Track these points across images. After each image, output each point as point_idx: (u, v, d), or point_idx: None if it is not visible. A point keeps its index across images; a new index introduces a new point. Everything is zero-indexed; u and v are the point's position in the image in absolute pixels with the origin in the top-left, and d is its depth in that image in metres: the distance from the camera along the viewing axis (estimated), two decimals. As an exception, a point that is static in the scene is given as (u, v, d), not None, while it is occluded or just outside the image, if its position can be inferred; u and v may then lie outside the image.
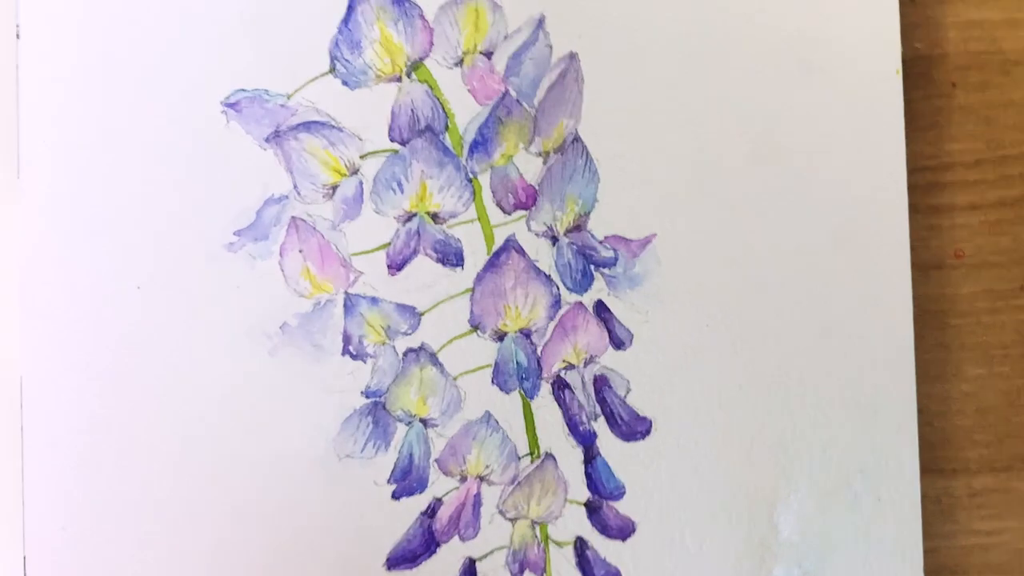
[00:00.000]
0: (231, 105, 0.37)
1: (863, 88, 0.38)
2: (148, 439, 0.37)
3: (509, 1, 0.38)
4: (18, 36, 0.37)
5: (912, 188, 0.39)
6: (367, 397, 0.37)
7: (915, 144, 0.39)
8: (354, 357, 0.37)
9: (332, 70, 0.37)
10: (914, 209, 0.39)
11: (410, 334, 0.37)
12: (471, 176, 0.38)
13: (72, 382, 0.37)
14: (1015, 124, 0.40)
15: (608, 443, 0.38)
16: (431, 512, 0.37)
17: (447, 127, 0.38)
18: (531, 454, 0.37)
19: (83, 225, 0.37)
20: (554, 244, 0.38)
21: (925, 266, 0.40)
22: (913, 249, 0.38)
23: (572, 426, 0.38)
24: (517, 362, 0.37)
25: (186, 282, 0.37)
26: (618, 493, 0.37)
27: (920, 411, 0.38)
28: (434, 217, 0.37)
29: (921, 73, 0.40)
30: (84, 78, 0.37)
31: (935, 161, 0.40)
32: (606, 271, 0.38)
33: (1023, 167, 0.40)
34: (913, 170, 0.39)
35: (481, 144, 0.37)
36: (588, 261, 0.38)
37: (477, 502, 0.37)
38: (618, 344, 0.38)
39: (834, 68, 0.38)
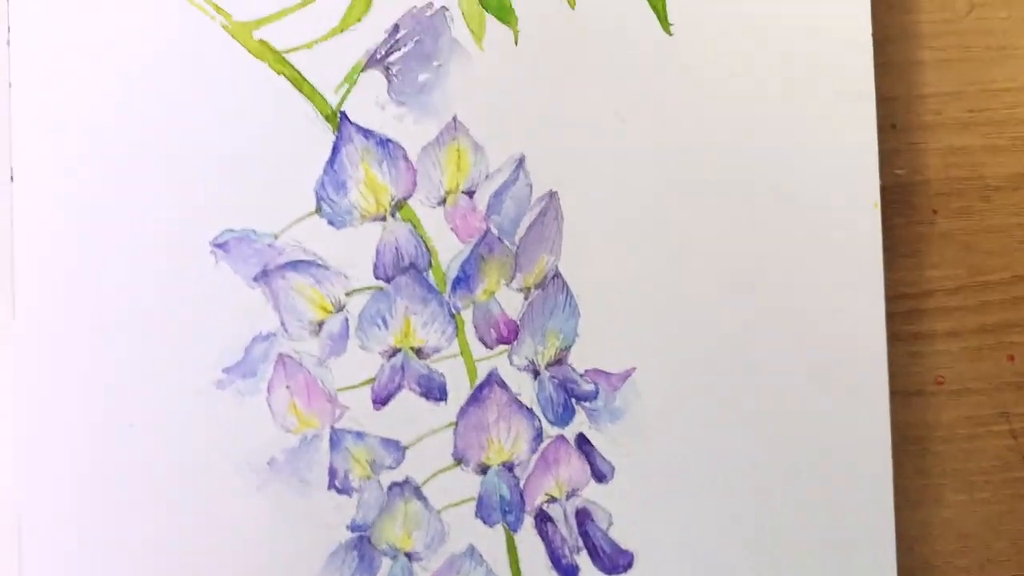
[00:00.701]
0: (220, 245, 0.38)
1: (841, 220, 0.39)
2: (138, 570, 0.38)
3: (490, 141, 0.38)
4: (12, 179, 0.38)
5: (893, 315, 0.39)
6: (352, 531, 0.38)
7: (896, 271, 0.40)
8: (340, 491, 0.38)
9: (318, 210, 0.38)
10: (895, 336, 0.39)
11: (395, 468, 0.38)
12: (454, 312, 0.38)
13: (69, 515, 0.38)
14: (995, 250, 0.40)
15: None
16: (416, 643, 0.38)
17: (430, 264, 0.38)
18: (514, 586, 0.38)
19: (76, 365, 0.38)
20: (536, 378, 0.38)
21: (906, 392, 0.40)
22: (893, 376, 0.39)
23: (555, 559, 0.38)
24: (500, 495, 0.38)
25: (177, 419, 0.38)
26: (600, 625, 0.38)
27: (900, 537, 0.38)
28: (418, 352, 0.38)
29: (902, 199, 0.40)
30: (74, 221, 0.38)
31: (915, 288, 0.40)
32: (587, 404, 0.38)
33: (1003, 294, 0.40)
34: (894, 297, 0.40)
35: (464, 281, 0.38)
36: (569, 395, 0.38)
37: (462, 633, 0.38)
38: (600, 477, 0.38)
39: (812, 200, 0.39)
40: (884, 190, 0.39)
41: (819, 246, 0.38)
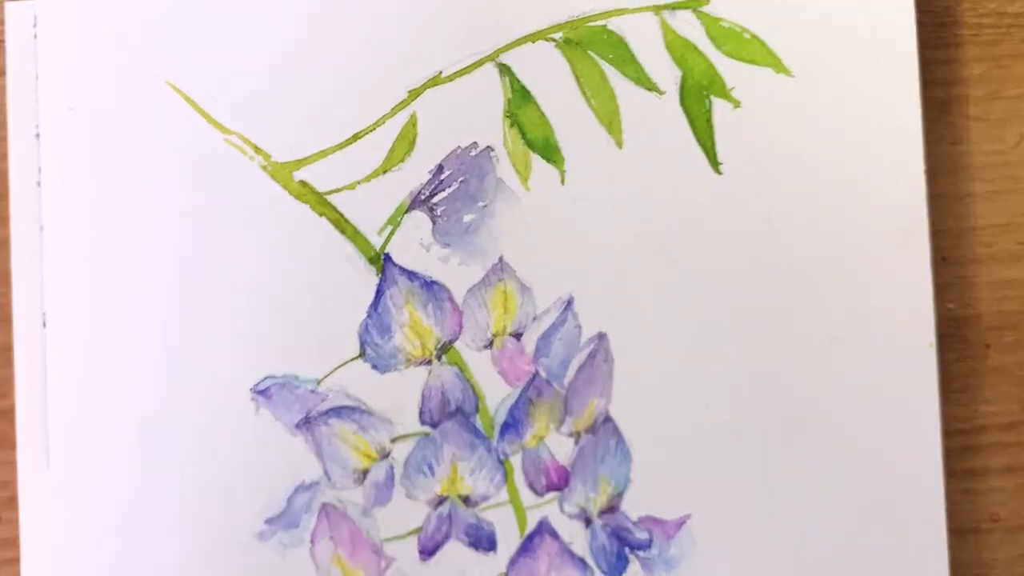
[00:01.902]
0: (261, 392, 0.37)
1: (897, 358, 0.38)
2: None
3: (538, 282, 0.37)
4: (44, 324, 0.37)
5: (947, 451, 0.38)
6: None
7: (949, 406, 0.39)
8: (388, 646, 0.37)
9: (362, 354, 0.37)
10: (949, 473, 0.39)
11: (444, 620, 0.37)
12: (503, 458, 0.37)
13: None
14: (1049, 384, 0.40)
15: None
16: None
17: (478, 409, 0.37)
18: None
19: (111, 517, 0.37)
20: (588, 526, 0.37)
21: (961, 531, 0.39)
22: (949, 513, 0.38)
23: None
24: (552, 648, 0.37)
25: (219, 573, 0.37)
26: None
27: None
28: (466, 500, 0.37)
29: (954, 334, 0.40)
30: (112, 375, 0.37)
31: (969, 424, 0.40)
32: (641, 553, 0.37)
33: (1059, 429, 0.39)
34: (948, 433, 0.39)
35: (512, 426, 0.37)
36: (623, 543, 0.37)
37: None
38: (655, 628, 0.37)
39: (867, 340, 0.38)
40: (936, 324, 0.38)
41: (875, 386, 0.38)
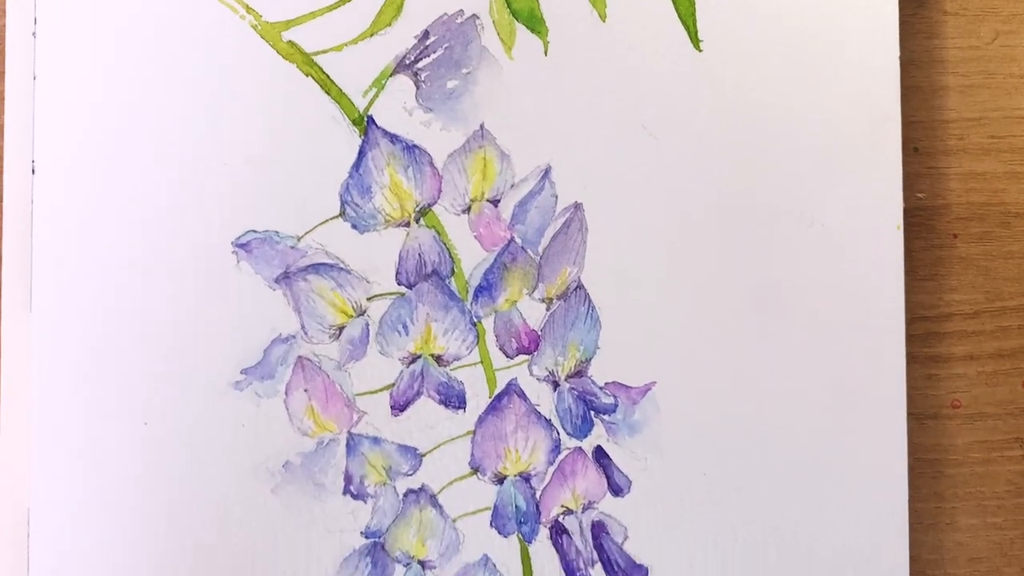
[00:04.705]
0: (242, 246, 0.38)
1: (864, 240, 0.39)
2: (152, 571, 0.37)
3: (517, 151, 0.38)
4: (33, 172, 0.38)
5: (911, 337, 0.39)
6: (366, 537, 0.38)
7: (915, 293, 0.40)
8: (355, 497, 0.38)
9: (342, 214, 0.38)
10: (912, 358, 0.39)
11: (411, 475, 0.38)
12: (475, 320, 0.38)
13: (79, 516, 0.37)
14: (1014, 276, 0.40)
15: (604, 589, 0.38)
16: (427, 653, 0.38)
17: (453, 272, 0.38)
18: (527, 598, 0.38)
19: (93, 360, 0.37)
20: (555, 389, 0.38)
21: (922, 416, 0.40)
22: (910, 398, 0.39)
23: (569, 572, 0.38)
24: (516, 506, 0.38)
25: (192, 418, 0.38)
26: (612, 640, 0.38)
27: (913, 559, 0.38)
28: (438, 360, 0.38)
29: (922, 223, 0.41)
30: (98, 216, 0.38)
31: (934, 311, 0.40)
32: (606, 417, 0.38)
33: (1021, 320, 0.40)
34: (912, 319, 0.40)
35: (486, 289, 0.38)
36: (588, 407, 0.38)
37: (473, 644, 0.38)
38: (616, 491, 0.38)
39: (835, 220, 0.39)
40: (905, 213, 0.39)
41: (841, 266, 0.39)
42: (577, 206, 0.38)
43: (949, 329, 0.40)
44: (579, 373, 0.38)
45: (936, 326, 0.40)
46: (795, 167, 0.39)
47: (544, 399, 0.38)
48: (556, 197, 0.38)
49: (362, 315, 0.38)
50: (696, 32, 0.39)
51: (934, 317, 0.40)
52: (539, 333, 0.38)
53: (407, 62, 0.38)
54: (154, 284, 0.38)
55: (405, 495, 0.38)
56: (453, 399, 0.38)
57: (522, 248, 0.38)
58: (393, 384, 0.38)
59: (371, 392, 0.38)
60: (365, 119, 0.38)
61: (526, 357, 0.38)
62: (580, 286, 0.38)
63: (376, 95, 0.38)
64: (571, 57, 0.38)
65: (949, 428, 0.40)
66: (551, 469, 0.38)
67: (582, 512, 0.38)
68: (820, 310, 0.39)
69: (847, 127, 0.39)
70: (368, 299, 0.38)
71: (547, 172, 0.38)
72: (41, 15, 0.38)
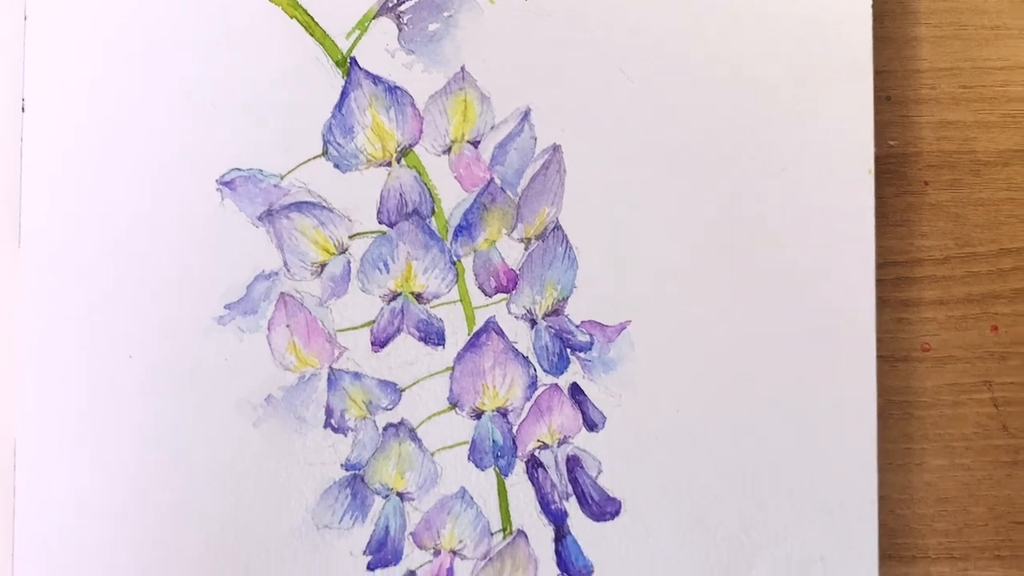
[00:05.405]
0: (226, 183, 0.39)
1: (836, 185, 0.39)
2: (134, 504, 0.38)
3: (497, 93, 0.39)
4: (23, 110, 0.39)
5: (882, 282, 0.40)
6: (346, 470, 0.39)
7: (886, 239, 0.41)
8: (335, 430, 0.39)
9: (325, 153, 0.39)
10: (883, 302, 0.40)
11: (391, 409, 0.39)
12: (455, 259, 0.39)
13: (65, 445, 0.38)
14: (983, 223, 0.41)
15: (578, 522, 0.39)
16: (405, 583, 0.39)
17: (433, 211, 0.39)
18: (503, 530, 0.39)
19: (79, 294, 0.38)
20: (532, 327, 0.39)
21: (892, 358, 0.41)
22: (881, 341, 0.40)
23: (544, 504, 0.39)
24: (493, 440, 0.39)
25: (176, 353, 0.38)
26: (586, 572, 0.39)
27: (882, 499, 0.39)
28: (418, 297, 0.39)
29: (895, 170, 0.41)
30: (85, 154, 0.38)
31: (905, 256, 0.41)
32: (582, 355, 0.39)
33: (989, 265, 0.41)
34: (883, 264, 0.41)
35: (466, 229, 0.39)
36: (565, 345, 0.39)
37: None
38: (591, 426, 0.39)
39: (808, 165, 0.39)
40: (877, 160, 0.40)
41: (814, 210, 0.39)
42: (556, 148, 0.39)
43: (919, 274, 0.41)
44: (556, 312, 0.39)
45: (907, 271, 0.41)
46: (768, 113, 0.40)
47: (522, 337, 0.39)
48: (535, 139, 0.39)
49: (344, 253, 0.39)
50: (673, -22, 0.39)
51: (905, 262, 0.41)
52: (517, 272, 0.39)
53: (390, 5, 0.39)
54: (140, 221, 0.38)
55: (385, 429, 0.39)
56: (432, 336, 0.39)
57: (501, 189, 0.39)
58: (374, 321, 0.39)
59: (352, 328, 0.39)
60: (348, 61, 0.39)
61: (504, 296, 0.39)
62: (558, 227, 0.39)
63: (359, 37, 0.39)
64: (550, 1, 0.39)
65: (919, 371, 0.41)
66: (528, 405, 0.39)
67: (557, 446, 0.39)
68: (792, 254, 0.39)
69: (820, 75, 0.40)
70: (350, 237, 0.39)
71: (526, 114, 0.39)
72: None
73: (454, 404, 0.39)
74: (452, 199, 0.39)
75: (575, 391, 0.39)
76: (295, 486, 0.38)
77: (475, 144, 0.39)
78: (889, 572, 0.40)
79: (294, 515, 0.38)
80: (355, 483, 0.39)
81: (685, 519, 0.39)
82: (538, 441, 0.39)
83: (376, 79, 0.39)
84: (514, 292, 0.39)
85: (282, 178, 0.39)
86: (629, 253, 0.39)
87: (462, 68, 0.39)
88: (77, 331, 0.38)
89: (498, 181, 0.39)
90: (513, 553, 0.39)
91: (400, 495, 0.39)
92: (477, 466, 0.39)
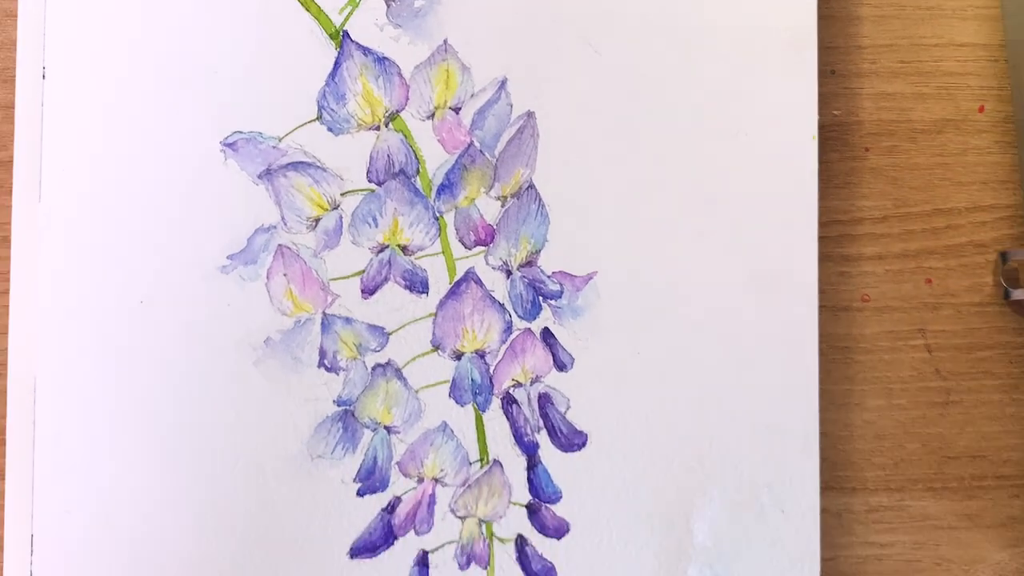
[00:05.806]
0: (229, 145, 0.42)
1: (783, 150, 0.43)
2: (145, 432, 0.42)
3: (476, 63, 0.43)
4: (44, 76, 0.42)
5: (826, 239, 0.44)
6: (338, 405, 0.42)
7: (830, 200, 0.45)
8: (328, 370, 0.42)
9: (319, 117, 0.43)
10: (827, 257, 0.44)
11: (379, 351, 0.43)
12: (438, 215, 0.43)
13: (82, 381, 0.42)
14: (919, 186, 0.45)
15: (549, 453, 0.43)
16: (391, 509, 0.42)
17: (418, 171, 0.43)
18: (481, 460, 0.43)
19: (96, 245, 0.42)
20: (508, 277, 0.43)
21: (835, 308, 0.45)
22: (824, 292, 0.44)
23: (518, 437, 0.43)
24: (472, 379, 0.43)
25: (183, 298, 0.42)
26: (555, 497, 0.43)
27: (825, 435, 0.43)
28: (404, 249, 0.43)
29: (838, 137, 0.45)
30: (101, 119, 0.42)
31: (847, 215, 0.45)
32: (553, 302, 0.43)
33: (924, 224, 0.45)
34: (827, 223, 0.45)
35: (448, 187, 0.43)
36: (537, 293, 0.43)
37: (432, 501, 0.43)
38: (561, 367, 0.43)
39: (759, 132, 0.43)
40: (822, 128, 0.44)
41: (764, 173, 0.43)
42: (530, 114, 0.43)
43: (860, 232, 0.45)
44: (529, 263, 0.43)
45: (848, 229, 0.45)
46: (725, 87, 0.43)
47: (498, 286, 0.43)
48: (511, 106, 0.43)
49: (336, 208, 0.43)
50: (636, -40, 0.43)
51: (847, 221, 0.45)
52: (494, 227, 0.43)
53: (379, -17, 0.43)
54: (152, 179, 0.42)
55: (373, 368, 0.43)
56: (417, 284, 0.43)
57: (480, 151, 0.43)
58: (363, 270, 0.43)
59: (344, 277, 0.43)
60: (341, 34, 0.43)
61: (483, 248, 0.43)
62: (532, 186, 0.43)
63: (351, 12, 0.43)
64: (525, -19, 0.43)
65: (859, 319, 0.45)
66: (503, 347, 0.43)
67: (530, 385, 0.43)
68: (744, 212, 0.43)
69: (771, 51, 0.43)
70: (342, 194, 0.43)
71: (503, 84, 0.43)
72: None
73: (436, 346, 0.43)
74: (435, 160, 0.43)
75: (546, 335, 0.43)
76: (292, 420, 0.42)
77: (456, 110, 0.43)
78: (831, 501, 0.44)
79: (291, 446, 0.42)
80: (346, 417, 0.42)
81: (645, 450, 0.43)
82: (513, 380, 0.43)
83: (366, 51, 0.43)
84: (491, 245, 0.43)
85: (280, 140, 0.43)
86: (596, 210, 0.43)
87: (445, 41, 0.43)
88: (94, 275, 0.42)
89: (477, 144, 0.43)
90: (490, 481, 0.43)
91: (387, 428, 0.42)
92: (457, 402, 0.43)
